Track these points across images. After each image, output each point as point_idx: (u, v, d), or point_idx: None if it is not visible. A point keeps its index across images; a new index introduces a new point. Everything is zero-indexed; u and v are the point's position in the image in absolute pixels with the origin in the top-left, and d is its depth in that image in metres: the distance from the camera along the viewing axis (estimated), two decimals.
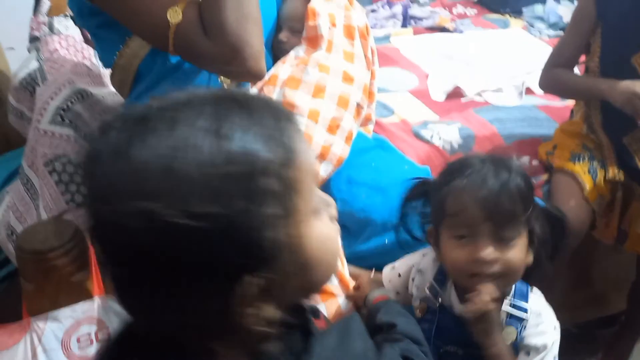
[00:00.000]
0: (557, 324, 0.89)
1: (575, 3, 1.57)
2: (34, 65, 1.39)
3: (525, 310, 0.86)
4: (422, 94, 1.76)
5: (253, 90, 1.13)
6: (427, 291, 0.92)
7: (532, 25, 2.34)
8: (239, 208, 0.43)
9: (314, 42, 1.17)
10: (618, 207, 1.41)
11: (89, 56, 1.47)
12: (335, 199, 0.56)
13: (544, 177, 1.49)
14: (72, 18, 1.53)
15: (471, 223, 0.82)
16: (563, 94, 1.55)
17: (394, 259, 1.04)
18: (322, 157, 1.14)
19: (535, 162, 1.52)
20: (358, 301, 1.01)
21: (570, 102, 1.59)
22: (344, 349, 0.57)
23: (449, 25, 2.29)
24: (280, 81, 1.13)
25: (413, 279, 0.97)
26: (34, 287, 0.79)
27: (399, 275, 1.00)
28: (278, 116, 0.48)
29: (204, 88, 0.52)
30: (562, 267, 1.31)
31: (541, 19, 2.38)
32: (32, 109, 1.32)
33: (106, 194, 0.44)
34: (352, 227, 1.16)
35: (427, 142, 1.49)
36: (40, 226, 0.84)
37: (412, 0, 2.54)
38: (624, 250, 1.47)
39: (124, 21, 0.92)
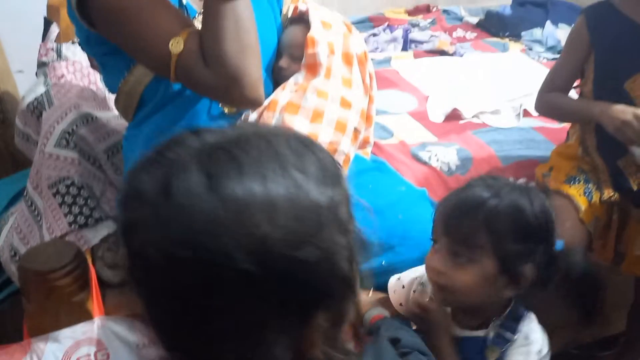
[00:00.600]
0: (545, 349, 0.89)
1: None
2: (41, 89, 1.42)
3: (514, 332, 0.88)
4: (421, 116, 1.78)
5: (253, 115, 1.15)
6: None
7: (530, 49, 2.37)
8: (332, 240, 0.47)
9: (313, 69, 1.19)
10: (614, 229, 1.41)
11: (95, 80, 1.50)
12: None
13: None
14: (79, 44, 1.57)
15: (436, 231, 0.90)
16: (558, 117, 1.57)
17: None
18: None
19: (531, 184, 1.53)
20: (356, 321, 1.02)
21: (567, 125, 1.61)
22: None
23: (448, 48, 2.32)
24: (279, 107, 1.15)
25: (414, 291, 0.99)
26: (36, 307, 0.80)
27: (403, 286, 1.02)
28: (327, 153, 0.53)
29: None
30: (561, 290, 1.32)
31: (539, 42, 2.41)
32: (38, 133, 1.35)
33: (209, 228, 0.44)
34: None
35: (425, 163, 1.50)
36: (43, 247, 0.85)
37: (412, 24, 2.59)
38: (621, 272, 1.47)
39: (128, 50, 0.95)
